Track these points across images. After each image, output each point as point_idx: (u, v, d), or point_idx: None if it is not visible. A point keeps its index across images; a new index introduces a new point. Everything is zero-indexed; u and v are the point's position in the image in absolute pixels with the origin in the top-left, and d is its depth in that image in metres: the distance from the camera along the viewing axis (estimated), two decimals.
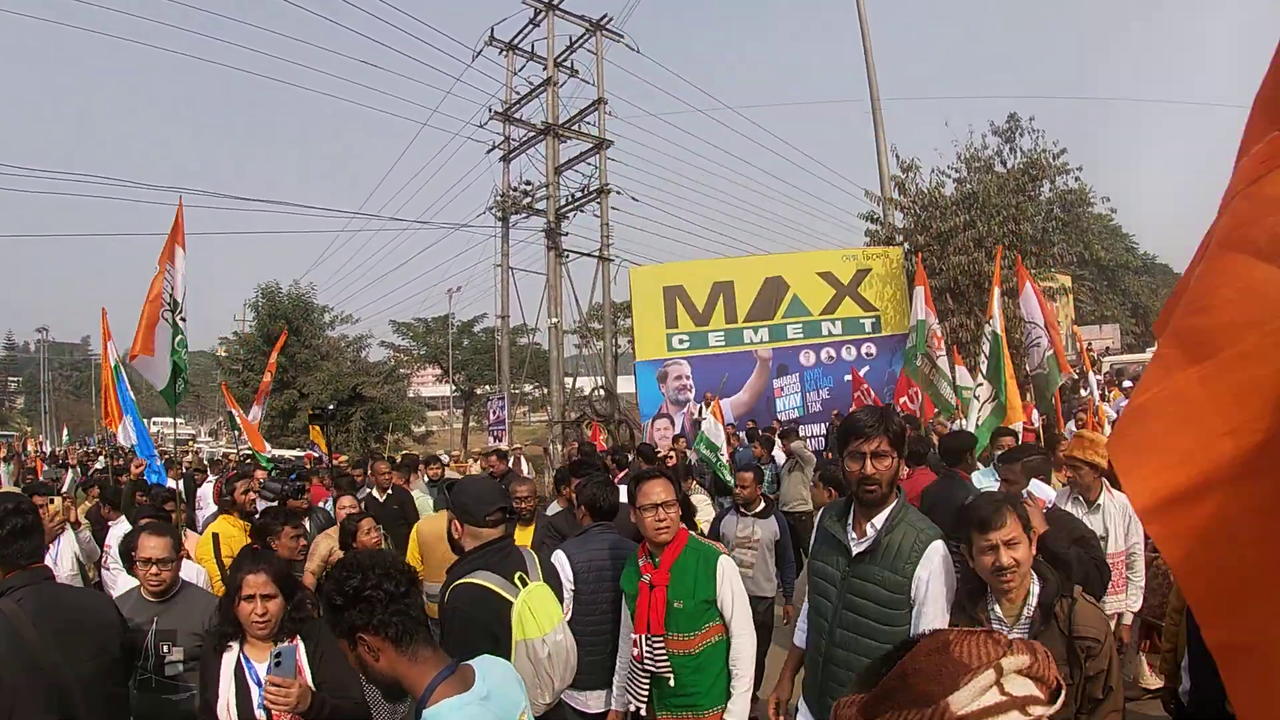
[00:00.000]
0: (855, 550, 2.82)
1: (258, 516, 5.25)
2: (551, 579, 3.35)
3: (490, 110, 22.65)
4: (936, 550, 2.72)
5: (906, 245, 17.96)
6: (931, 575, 2.69)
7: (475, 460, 15.25)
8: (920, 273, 11.76)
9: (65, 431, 55.94)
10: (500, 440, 20.76)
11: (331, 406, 16.91)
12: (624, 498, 4.27)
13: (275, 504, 5.98)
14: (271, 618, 2.98)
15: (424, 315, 42.57)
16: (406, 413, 35.75)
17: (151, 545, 3.50)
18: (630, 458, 10.03)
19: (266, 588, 2.97)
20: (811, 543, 3.16)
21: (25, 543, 2.93)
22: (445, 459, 12.60)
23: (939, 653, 0.93)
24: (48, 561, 4.47)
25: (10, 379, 77.96)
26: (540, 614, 2.93)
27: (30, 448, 29.83)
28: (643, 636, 3.35)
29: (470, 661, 2.04)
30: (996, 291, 9.38)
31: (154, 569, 3.46)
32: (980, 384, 8.78)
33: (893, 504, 2.80)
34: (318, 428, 14.72)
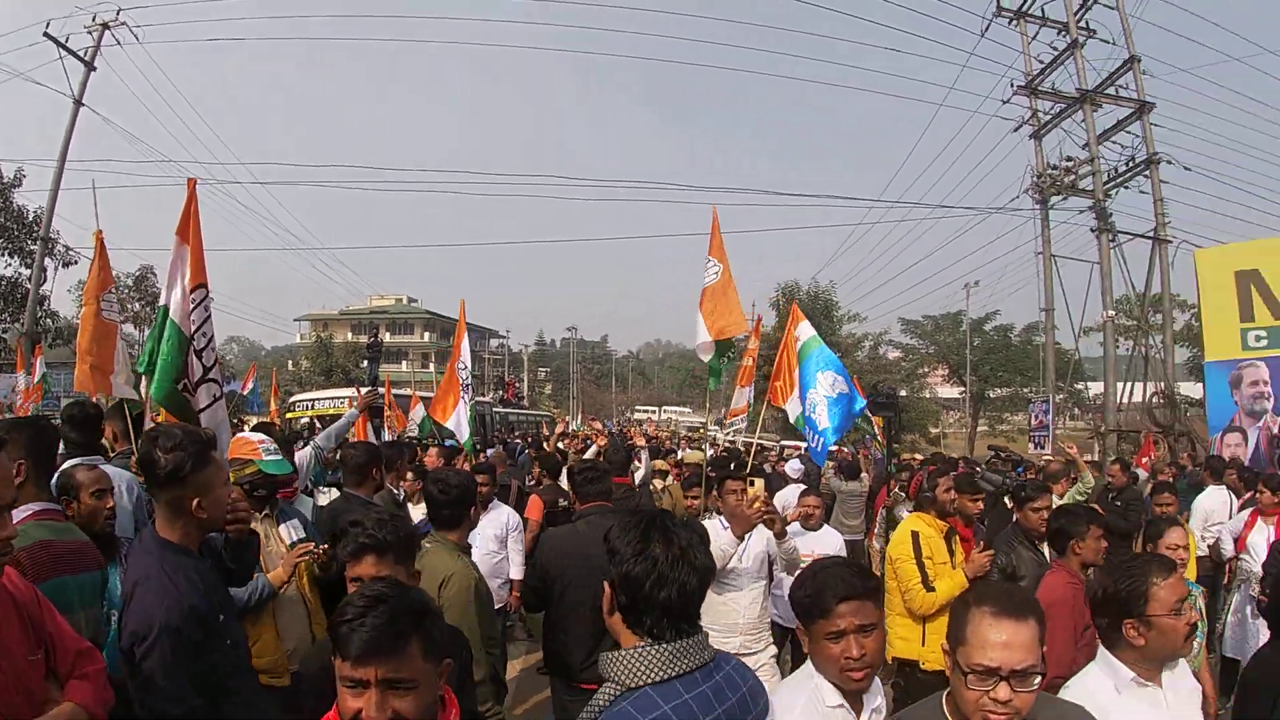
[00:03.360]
0: None
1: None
2: None
3: (1013, 85, 21.84)
4: None
5: None
6: None
7: None
8: None
9: (578, 413, 65.99)
10: (1044, 447, 19.89)
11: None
12: None
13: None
14: None
15: (933, 313, 41.95)
16: (924, 413, 35.56)
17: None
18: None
19: None
20: None
21: (595, 486, 4.65)
22: None
23: None
24: None
25: (541, 369, 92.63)
26: None
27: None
28: None
29: None
30: None
31: None
32: None
33: None
34: (881, 418, 14.93)
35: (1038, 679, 1.92)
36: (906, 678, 5.16)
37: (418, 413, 14.71)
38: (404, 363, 66.81)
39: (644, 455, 10.47)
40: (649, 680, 1.88)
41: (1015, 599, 2.01)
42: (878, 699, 2.44)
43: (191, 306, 4.86)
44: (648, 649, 1.91)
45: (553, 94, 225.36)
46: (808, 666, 2.39)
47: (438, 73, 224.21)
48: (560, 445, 14.24)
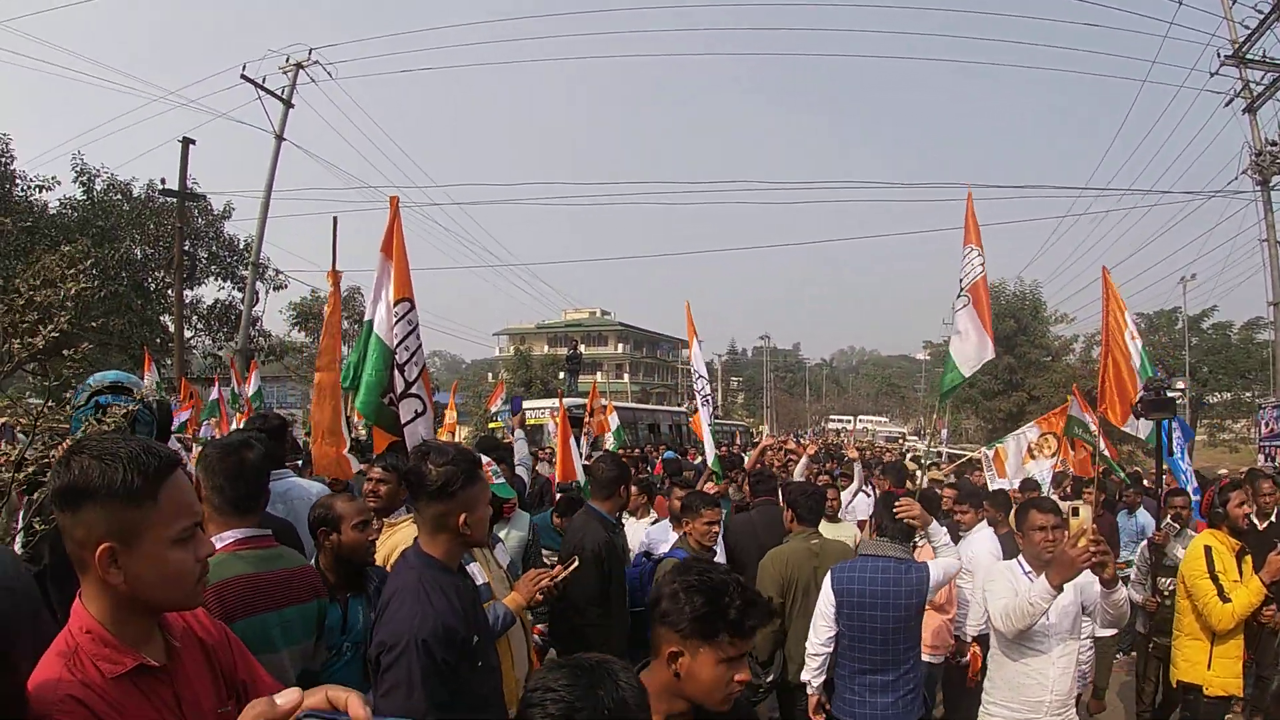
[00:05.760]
0: None
1: None
2: None
3: (1219, 54, 20.09)
4: None
5: None
6: None
7: None
8: None
9: (773, 423, 66.07)
10: (1275, 458, 17.88)
11: None
12: None
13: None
14: None
15: (1146, 311, 38.83)
16: None
17: None
18: None
19: None
20: None
21: (764, 485, 6.58)
22: None
23: None
24: None
25: (733, 378, 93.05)
26: None
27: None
28: None
29: None
30: None
31: None
32: None
33: None
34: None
35: None
36: (1191, 705, 5.01)
37: (611, 421, 15.36)
38: (598, 374, 69.43)
39: (856, 469, 8.94)
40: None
41: None
42: None
43: (395, 320, 4.91)
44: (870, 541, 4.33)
45: (742, 99, 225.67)
46: None
47: (621, 87, 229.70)
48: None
